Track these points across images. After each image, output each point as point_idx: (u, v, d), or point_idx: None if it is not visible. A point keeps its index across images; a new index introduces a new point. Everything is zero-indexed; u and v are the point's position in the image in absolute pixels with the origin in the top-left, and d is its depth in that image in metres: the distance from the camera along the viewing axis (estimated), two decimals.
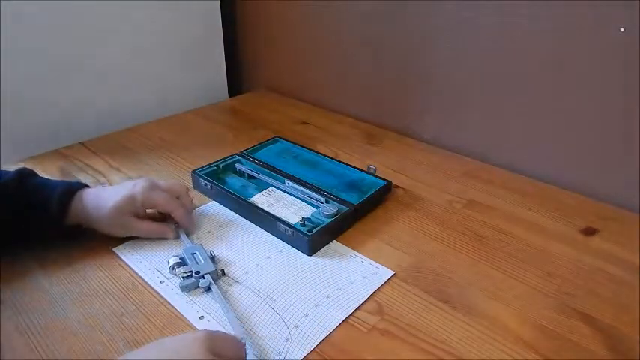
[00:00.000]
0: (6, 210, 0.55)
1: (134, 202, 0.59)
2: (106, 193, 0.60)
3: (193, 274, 0.54)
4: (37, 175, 0.60)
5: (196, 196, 0.71)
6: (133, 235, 0.61)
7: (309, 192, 0.68)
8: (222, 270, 0.56)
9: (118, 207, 0.58)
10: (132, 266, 0.57)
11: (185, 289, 0.53)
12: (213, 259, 0.57)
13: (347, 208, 0.64)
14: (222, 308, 0.50)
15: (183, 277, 0.54)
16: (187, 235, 0.62)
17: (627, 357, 0.46)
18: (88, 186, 0.61)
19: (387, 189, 0.71)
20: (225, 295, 0.52)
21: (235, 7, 1.18)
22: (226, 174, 0.75)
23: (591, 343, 0.47)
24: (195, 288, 0.54)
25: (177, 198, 0.63)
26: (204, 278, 0.54)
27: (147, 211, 0.63)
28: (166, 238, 0.62)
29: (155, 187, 0.61)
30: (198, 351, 0.37)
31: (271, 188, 0.72)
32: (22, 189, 0.57)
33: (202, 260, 0.56)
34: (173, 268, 0.55)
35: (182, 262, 0.56)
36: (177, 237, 0.62)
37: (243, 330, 0.47)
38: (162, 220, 0.63)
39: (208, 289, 0.53)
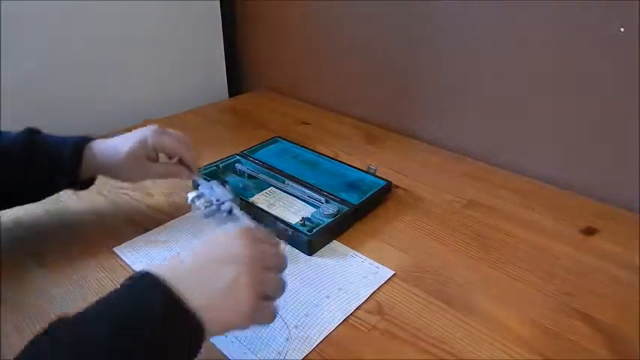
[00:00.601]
0: (19, 168, 0.56)
1: (146, 145, 0.61)
2: (117, 140, 0.62)
3: (214, 202, 0.58)
4: (42, 132, 0.61)
5: None
6: (149, 178, 0.64)
7: (309, 192, 0.68)
8: (240, 198, 0.62)
9: (132, 151, 0.60)
10: (132, 266, 0.57)
11: (208, 216, 0.58)
12: (229, 190, 0.61)
13: (347, 208, 0.64)
14: (247, 221, 0.54)
15: (204, 207, 0.58)
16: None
17: (627, 357, 0.46)
18: (93, 138, 0.62)
19: (387, 189, 0.71)
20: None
21: (235, 7, 1.18)
22: (226, 174, 0.75)
23: (591, 343, 0.47)
24: (216, 214, 0.58)
25: None
26: (224, 205, 0.58)
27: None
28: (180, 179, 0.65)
29: (164, 132, 0.63)
30: (236, 241, 0.42)
31: (271, 188, 0.72)
32: (34, 146, 0.57)
33: (220, 192, 0.60)
34: (194, 201, 0.59)
35: (200, 196, 0.60)
36: (190, 178, 0.65)
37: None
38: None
39: (230, 212, 0.57)
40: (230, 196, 0.59)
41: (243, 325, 0.40)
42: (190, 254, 0.41)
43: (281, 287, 0.42)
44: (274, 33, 1.13)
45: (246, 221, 0.55)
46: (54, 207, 0.68)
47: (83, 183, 0.62)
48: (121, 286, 0.37)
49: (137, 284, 0.37)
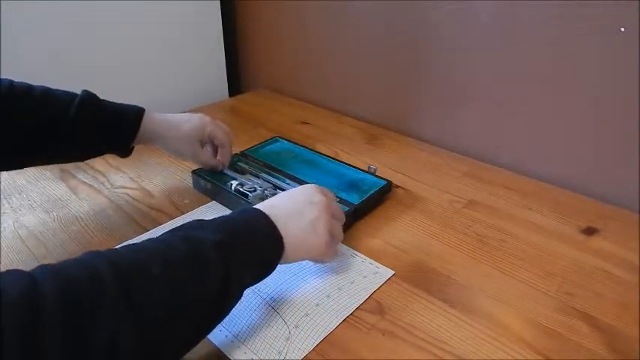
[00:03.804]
0: (77, 127, 0.58)
1: (204, 131, 0.68)
2: (177, 117, 0.67)
3: (257, 188, 0.67)
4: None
5: (196, 196, 0.71)
6: (193, 159, 0.69)
7: None
8: (273, 185, 0.69)
9: (192, 132, 0.67)
10: None
11: (255, 198, 0.65)
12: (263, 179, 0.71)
13: (347, 208, 0.64)
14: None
15: (249, 192, 0.66)
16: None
17: (627, 357, 0.46)
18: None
19: (387, 189, 0.71)
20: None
21: (235, 7, 1.18)
22: (226, 174, 0.75)
23: (591, 343, 0.47)
24: (262, 196, 0.66)
25: None
26: (267, 190, 0.67)
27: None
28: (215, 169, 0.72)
29: (218, 124, 0.70)
30: (312, 191, 0.51)
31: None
32: (95, 108, 0.59)
33: (257, 180, 0.70)
34: (238, 190, 0.66)
35: (243, 184, 0.68)
36: (221, 170, 0.72)
37: None
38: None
39: (274, 193, 0.66)
40: (267, 183, 0.69)
41: (315, 257, 0.51)
42: (279, 200, 0.50)
43: (341, 234, 0.53)
44: (274, 33, 1.13)
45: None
46: (54, 207, 0.68)
47: (129, 150, 0.65)
48: (234, 212, 0.47)
49: (248, 211, 0.47)
